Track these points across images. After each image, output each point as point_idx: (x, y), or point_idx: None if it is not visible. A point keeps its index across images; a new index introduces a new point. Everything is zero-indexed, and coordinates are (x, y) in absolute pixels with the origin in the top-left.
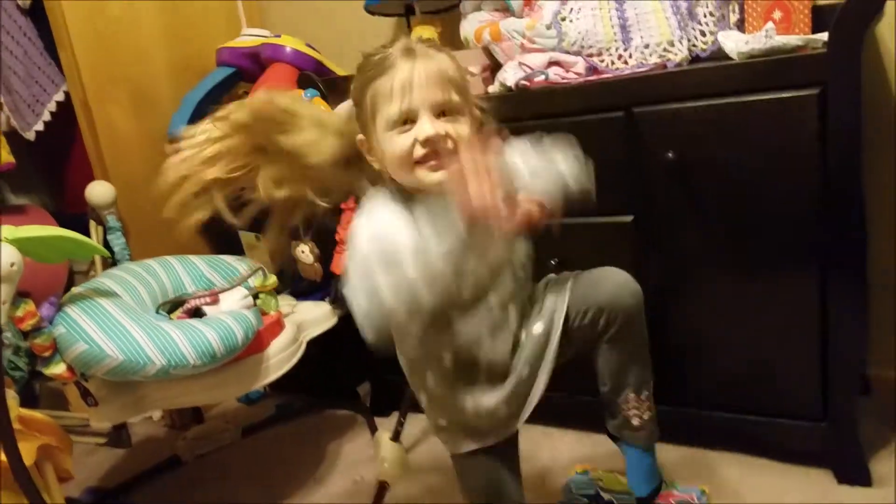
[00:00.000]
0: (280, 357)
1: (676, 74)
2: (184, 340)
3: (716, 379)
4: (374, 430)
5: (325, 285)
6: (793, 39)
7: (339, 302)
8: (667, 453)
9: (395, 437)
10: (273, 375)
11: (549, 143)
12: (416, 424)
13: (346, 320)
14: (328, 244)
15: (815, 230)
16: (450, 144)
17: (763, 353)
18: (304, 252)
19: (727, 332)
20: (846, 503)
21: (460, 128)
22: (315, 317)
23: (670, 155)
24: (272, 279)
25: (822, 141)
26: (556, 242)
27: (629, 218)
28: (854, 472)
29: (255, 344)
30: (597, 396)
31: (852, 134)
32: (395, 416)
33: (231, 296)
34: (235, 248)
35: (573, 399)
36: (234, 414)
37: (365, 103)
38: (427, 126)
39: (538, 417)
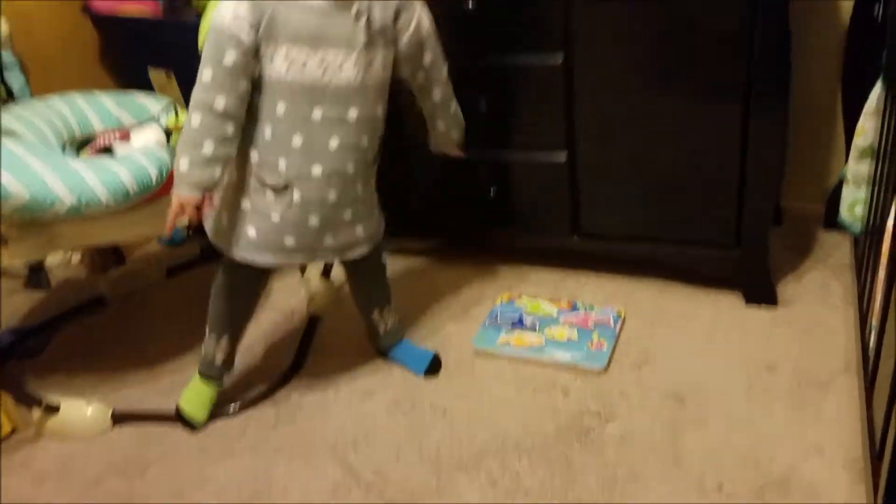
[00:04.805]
0: None
1: None
2: (94, 178)
3: (635, 212)
4: (303, 268)
5: None
6: None
7: None
8: (586, 281)
9: (326, 273)
10: None
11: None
12: None
13: None
14: None
15: (741, 62)
16: None
17: (683, 184)
18: None
19: (651, 167)
20: (753, 320)
21: None
22: None
23: None
24: (185, 116)
25: None
26: (487, 83)
27: (560, 56)
28: (762, 294)
29: (171, 183)
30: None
31: None
32: None
33: (142, 133)
34: (145, 86)
35: (502, 234)
36: (157, 256)
37: None
38: None
39: (468, 254)
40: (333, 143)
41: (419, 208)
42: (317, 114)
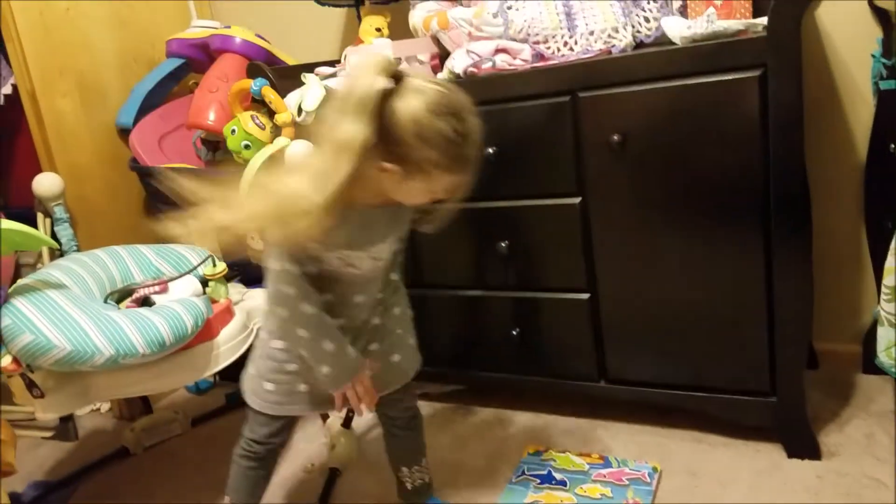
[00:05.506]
0: (230, 345)
1: (621, 60)
2: (133, 329)
3: (663, 357)
4: (325, 417)
5: None
6: (734, 24)
7: None
8: (617, 431)
9: (347, 423)
10: (223, 363)
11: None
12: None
13: None
14: None
15: (760, 208)
16: None
17: (709, 327)
18: (255, 238)
19: (676, 310)
20: (798, 476)
21: None
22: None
23: (615, 138)
24: (222, 266)
25: (763, 121)
26: (507, 225)
27: (577, 200)
28: (804, 446)
29: (205, 332)
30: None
31: (793, 113)
32: None
33: (180, 284)
34: None
35: (527, 380)
36: (183, 404)
37: (429, 158)
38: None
39: (491, 399)
40: (364, 314)
41: (439, 352)
42: (359, 299)
